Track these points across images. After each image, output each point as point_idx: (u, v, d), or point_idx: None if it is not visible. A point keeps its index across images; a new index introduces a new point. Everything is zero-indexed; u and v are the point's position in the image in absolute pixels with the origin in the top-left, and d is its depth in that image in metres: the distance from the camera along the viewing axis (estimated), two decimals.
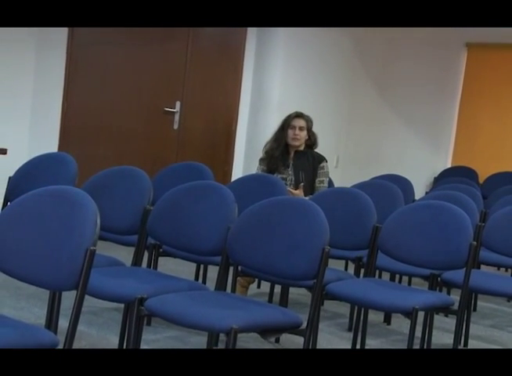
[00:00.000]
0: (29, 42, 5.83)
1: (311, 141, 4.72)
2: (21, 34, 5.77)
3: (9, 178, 3.83)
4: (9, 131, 5.81)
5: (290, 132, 4.62)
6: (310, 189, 4.59)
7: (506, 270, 5.60)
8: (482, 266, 4.48)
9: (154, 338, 3.52)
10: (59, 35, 5.96)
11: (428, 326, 3.73)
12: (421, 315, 3.59)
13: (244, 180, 4.37)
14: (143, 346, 3.08)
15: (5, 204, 3.73)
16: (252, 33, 6.80)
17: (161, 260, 3.77)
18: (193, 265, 4.16)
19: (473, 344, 3.99)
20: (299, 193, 4.38)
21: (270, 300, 4.16)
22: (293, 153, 4.66)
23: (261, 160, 4.73)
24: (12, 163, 4.10)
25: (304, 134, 4.64)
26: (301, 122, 4.64)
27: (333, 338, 3.87)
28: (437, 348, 3.71)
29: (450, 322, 4.26)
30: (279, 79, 6.77)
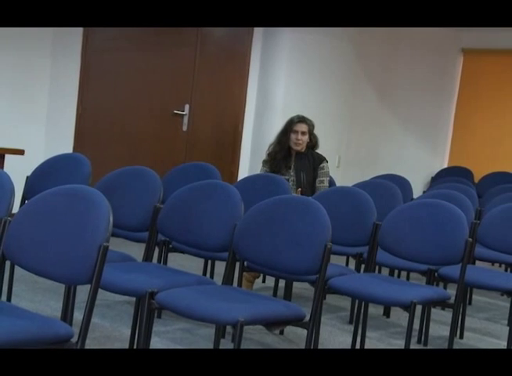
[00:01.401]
0: (45, 49, 5.85)
1: (313, 143, 4.71)
2: (37, 42, 5.79)
3: (27, 177, 3.83)
4: (26, 133, 5.82)
5: (293, 137, 4.61)
6: (311, 189, 4.59)
7: (500, 266, 5.59)
8: (477, 262, 4.47)
9: (164, 330, 3.52)
10: (73, 42, 5.97)
11: (426, 319, 3.73)
12: (419, 308, 3.59)
13: (250, 179, 4.37)
14: (154, 338, 3.08)
15: (22, 202, 3.74)
16: (257, 39, 6.81)
17: (171, 256, 3.78)
18: (201, 261, 4.17)
19: (468, 336, 3.99)
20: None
21: (275, 294, 4.16)
22: (294, 155, 4.66)
23: (265, 162, 4.72)
24: (30, 163, 4.11)
25: (306, 138, 4.63)
26: (303, 127, 4.62)
27: (334, 330, 3.87)
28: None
29: (447, 315, 4.25)
30: (283, 83, 6.77)
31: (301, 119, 4.66)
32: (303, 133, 4.61)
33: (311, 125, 4.67)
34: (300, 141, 4.60)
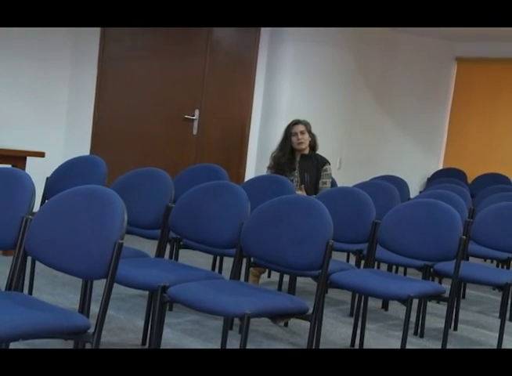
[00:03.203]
0: (64, 60, 5.87)
1: (313, 141, 4.70)
2: (57, 53, 5.82)
3: (47, 178, 3.84)
4: (46, 136, 5.84)
5: (294, 139, 4.61)
6: (314, 190, 4.57)
7: (492, 261, 5.57)
8: (471, 258, 4.46)
9: (176, 322, 3.52)
10: (90, 52, 5.99)
11: (422, 312, 3.72)
12: (415, 302, 3.59)
13: (256, 180, 4.36)
14: (166, 329, 3.08)
15: (43, 202, 3.75)
16: (263, 48, 6.81)
17: (182, 252, 3.78)
18: (210, 257, 4.16)
19: (462, 328, 3.98)
20: (301, 192, 4.38)
21: (279, 288, 4.15)
22: (299, 157, 4.65)
23: (269, 167, 4.71)
24: (50, 165, 4.11)
25: (306, 136, 4.63)
26: (300, 127, 4.63)
27: (336, 322, 3.86)
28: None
29: (442, 308, 4.24)
30: (288, 89, 6.76)
31: (296, 121, 4.68)
32: (302, 133, 4.61)
33: (307, 125, 4.66)
34: (302, 140, 4.60)
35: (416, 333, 3.74)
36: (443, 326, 3.34)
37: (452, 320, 3.79)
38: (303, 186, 4.48)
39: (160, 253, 3.26)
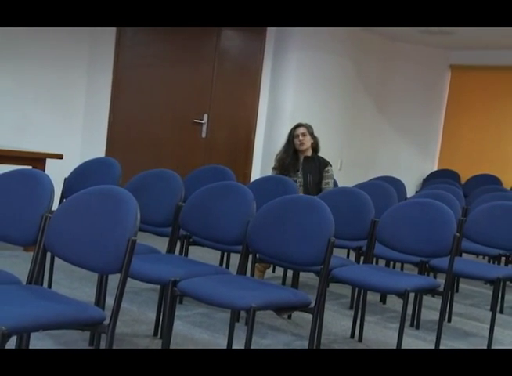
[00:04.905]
0: (81, 68, 5.89)
1: (315, 143, 4.69)
2: (74, 62, 5.84)
3: (65, 178, 3.85)
4: (64, 140, 5.86)
5: (296, 141, 4.60)
6: (316, 190, 4.57)
7: (484, 258, 5.55)
8: (464, 254, 4.45)
9: (185, 314, 3.52)
10: (106, 60, 6.01)
11: (418, 305, 3.72)
12: (412, 295, 3.58)
13: (261, 181, 4.36)
14: (176, 321, 3.08)
15: (61, 201, 3.75)
16: (268, 56, 6.81)
17: (191, 248, 3.78)
18: (218, 253, 4.16)
19: (455, 320, 3.97)
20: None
21: (283, 282, 4.15)
22: (302, 159, 4.64)
23: (274, 168, 4.71)
24: (67, 166, 4.12)
25: (308, 138, 4.62)
26: (301, 129, 4.62)
27: (337, 315, 3.86)
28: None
29: (436, 301, 4.23)
30: (291, 95, 6.76)
31: (298, 125, 4.68)
32: (303, 134, 4.61)
33: (308, 128, 4.66)
34: (303, 141, 4.59)
35: (412, 325, 3.73)
36: (438, 318, 3.33)
37: (446, 313, 3.79)
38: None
39: (171, 249, 3.26)
